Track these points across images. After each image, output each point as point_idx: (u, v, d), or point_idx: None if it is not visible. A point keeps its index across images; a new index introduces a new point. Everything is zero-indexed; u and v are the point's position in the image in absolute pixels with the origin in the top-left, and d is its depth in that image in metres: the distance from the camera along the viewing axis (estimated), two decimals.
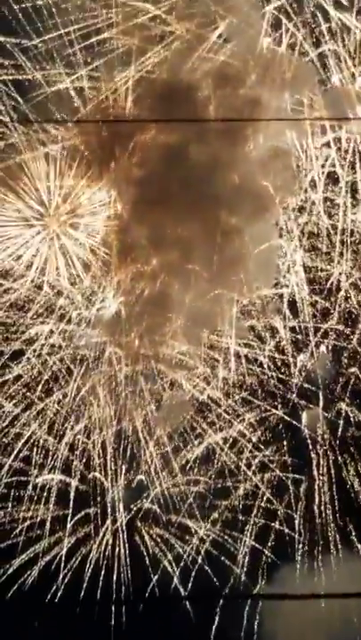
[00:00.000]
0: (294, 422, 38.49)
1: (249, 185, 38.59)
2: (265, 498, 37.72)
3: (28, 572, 36.65)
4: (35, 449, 37.33)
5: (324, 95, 38.58)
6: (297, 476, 38.03)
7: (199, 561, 37.04)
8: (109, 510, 37.16)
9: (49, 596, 36.34)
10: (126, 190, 38.28)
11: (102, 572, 36.57)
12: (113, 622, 35.49)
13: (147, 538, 37.22)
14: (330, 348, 39.12)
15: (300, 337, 38.85)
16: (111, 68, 37.75)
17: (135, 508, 37.55)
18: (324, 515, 37.21)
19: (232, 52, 38.21)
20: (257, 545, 37.50)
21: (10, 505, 36.85)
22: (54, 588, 36.56)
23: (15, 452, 37.19)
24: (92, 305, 38.28)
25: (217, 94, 39.01)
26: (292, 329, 38.93)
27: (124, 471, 37.56)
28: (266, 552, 37.31)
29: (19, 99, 36.98)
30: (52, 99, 37.32)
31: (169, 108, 38.72)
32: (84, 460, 37.46)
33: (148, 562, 36.89)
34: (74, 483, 37.27)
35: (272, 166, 38.85)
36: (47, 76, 37.27)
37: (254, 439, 38.22)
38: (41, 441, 37.29)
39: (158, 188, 38.21)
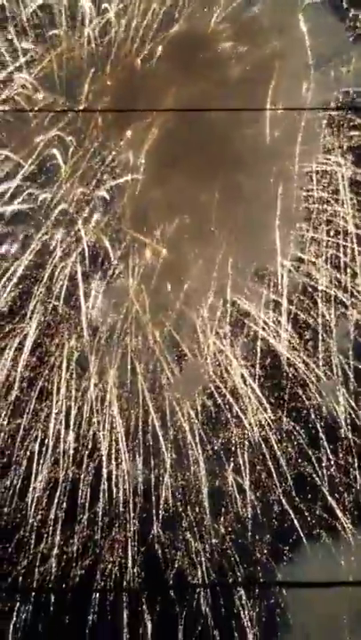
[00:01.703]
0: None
1: (270, 149, 36.81)
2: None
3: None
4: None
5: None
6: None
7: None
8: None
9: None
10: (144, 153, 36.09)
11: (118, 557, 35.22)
12: (129, 610, 34.37)
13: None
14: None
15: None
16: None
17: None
18: None
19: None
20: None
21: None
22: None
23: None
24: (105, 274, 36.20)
25: (238, 49, 36.95)
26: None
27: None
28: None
29: None
30: None
31: (189, 58, 36.46)
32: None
33: (167, 550, 35.52)
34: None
35: (293, 129, 37.12)
36: None
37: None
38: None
39: (176, 149, 36.10)
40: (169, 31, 36.37)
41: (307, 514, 35.90)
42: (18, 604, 33.71)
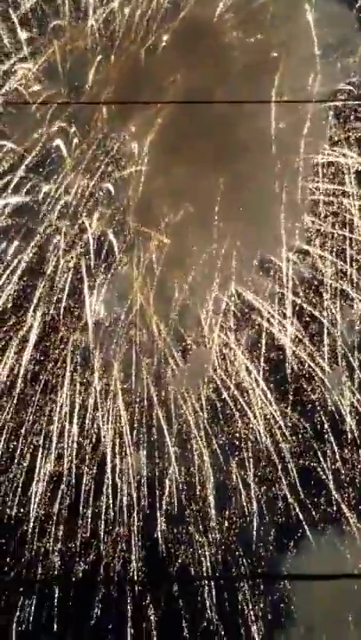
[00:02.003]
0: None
1: (275, 140, 36.43)
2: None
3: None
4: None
5: None
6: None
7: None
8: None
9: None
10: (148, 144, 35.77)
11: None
12: (133, 605, 34.20)
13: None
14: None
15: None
16: None
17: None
18: None
19: None
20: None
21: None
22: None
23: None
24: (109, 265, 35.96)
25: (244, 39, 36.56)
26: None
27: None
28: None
29: None
30: None
31: (193, 47, 36.07)
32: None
33: (171, 544, 35.30)
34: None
35: (299, 120, 36.74)
36: None
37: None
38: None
39: (181, 139, 35.76)
40: (174, 21, 36.02)
41: (311, 507, 35.74)
42: (22, 597, 33.57)
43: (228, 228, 36.59)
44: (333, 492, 35.83)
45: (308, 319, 37.37)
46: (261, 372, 36.65)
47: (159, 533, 35.05)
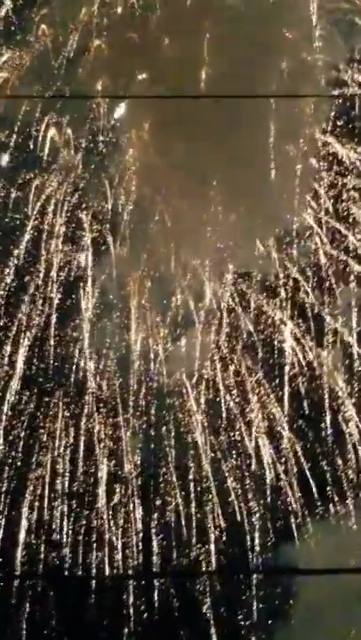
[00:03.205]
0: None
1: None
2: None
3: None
4: None
5: None
6: None
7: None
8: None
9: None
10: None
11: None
12: (133, 597, 34.46)
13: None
14: None
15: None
16: None
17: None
18: None
19: None
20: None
21: None
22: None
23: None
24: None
25: None
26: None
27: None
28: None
29: None
30: None
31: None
32: None
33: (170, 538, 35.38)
34: None
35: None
36: None
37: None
38: None
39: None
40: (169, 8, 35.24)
41: (313, 502, 35.66)
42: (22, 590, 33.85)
43: (227, 206, 36.11)
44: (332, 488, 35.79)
45: (305, 303, 37.04)
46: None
47: (158, 527, 35.17)
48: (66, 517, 34.41)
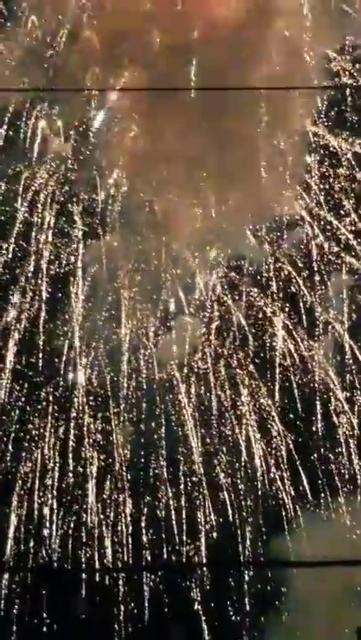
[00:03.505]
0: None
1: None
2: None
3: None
4: None
5: None
6: None
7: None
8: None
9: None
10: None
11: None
12: (124, 588, 34.29)
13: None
14: None
15: None
16: None
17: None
18: None
19: None
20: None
21: None
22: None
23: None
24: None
25: None
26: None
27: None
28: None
29: None
30: None
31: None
32: None
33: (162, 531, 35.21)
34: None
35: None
36: None
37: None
38: None
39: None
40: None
41: (305, 494, 35.52)
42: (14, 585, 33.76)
43: (219, 194, 35.96)
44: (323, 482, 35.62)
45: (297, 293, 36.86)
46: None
47: (149, 520, 34.99)
48: (55, 511, 34.29)
